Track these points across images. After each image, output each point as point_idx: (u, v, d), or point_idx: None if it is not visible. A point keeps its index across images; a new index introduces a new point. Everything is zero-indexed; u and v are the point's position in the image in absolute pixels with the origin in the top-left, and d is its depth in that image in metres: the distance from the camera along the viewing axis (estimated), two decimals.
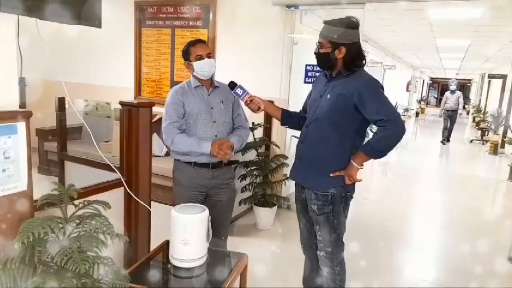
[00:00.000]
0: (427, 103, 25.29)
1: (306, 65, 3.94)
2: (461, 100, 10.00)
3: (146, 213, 2.31)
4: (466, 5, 4.01)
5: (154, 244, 2.26)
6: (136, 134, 2.28)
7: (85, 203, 1.58)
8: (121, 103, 2.31)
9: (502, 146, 9.04)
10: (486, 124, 10.85)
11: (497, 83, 12.43)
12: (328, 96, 1.93)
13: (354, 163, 1.90)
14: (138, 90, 4.84)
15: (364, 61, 1.93)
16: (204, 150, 2.21)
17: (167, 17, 4.49)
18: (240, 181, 3.53)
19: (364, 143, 1.91)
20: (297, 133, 4.19)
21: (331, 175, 1.93)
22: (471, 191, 5.96)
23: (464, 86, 29.85)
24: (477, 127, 12.15)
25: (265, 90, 3.92)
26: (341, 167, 1.93)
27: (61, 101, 3.17)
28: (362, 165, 1.91)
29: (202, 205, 2.10)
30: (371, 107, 1.83)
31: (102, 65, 4.94)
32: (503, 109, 9.76)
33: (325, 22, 1.93)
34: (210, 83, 2.36)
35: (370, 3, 3.52)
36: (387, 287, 2.87)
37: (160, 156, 4.33)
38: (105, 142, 4.45)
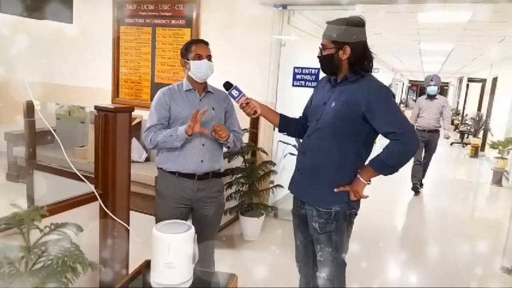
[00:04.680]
0: (406, 106, 25.69)
1: (295, 68, 3.78)
2: (446, 111, 5.39)
3: (124, 230, 2.09)
4: (456, 8, 3.95)
5: (133, 262, 2.05)
6: (113, 143, 2.06)
7: (52, 227, 1.37)
8: (97, 108, 2.09)
9: (482, 149, 9.16)
10: (466, 127, 10.99)
11: (475, 87, 12.67)
12: (333, 103, 1.77)
13: (361, 179, 1.74)
14: (116, 92, 4.58)
15: (371, 64, 1.78)
16: (179, 131, 1.99)
17: (148, 15, 4.25)
18: (226, 189, 3.34)
19: (373, 157, 1.75)
20: (285, 137, 4.00)
21: (335, 190, 1.77)
22: (457, 196, 5.94)
23: (442, 89, 30.52)
24: (456, 130, 12.33)
25: (251, 92, 3.66)
26: (346, 182, 1.77)
27: (30, 105, 2.89)
28: (369, 181, 1.76)
29: (187, 222, 1.90)
30: (381, 118, 1.67)
31: (77, 64, 4.65)
32: (483, 113, 9.89)
33: (328, 22, 1.77)
34: (203, 88, 2.17)
35: (362, 5, 3.38)
36: (386, 287, 2.76)
37: (139, 162, 4.09)
38: (80, 147, 4.18)
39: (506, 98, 7.80)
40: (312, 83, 3.68)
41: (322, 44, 1.78)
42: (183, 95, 2.12)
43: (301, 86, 3.74)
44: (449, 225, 4.52)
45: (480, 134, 9.33)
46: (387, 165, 1.69)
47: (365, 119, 1.69)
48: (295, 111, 4.23)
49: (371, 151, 1.83)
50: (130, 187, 2.20)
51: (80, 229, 1.41)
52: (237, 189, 3.40)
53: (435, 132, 5.35)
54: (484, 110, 10.05)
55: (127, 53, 4.44)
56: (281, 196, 4.31)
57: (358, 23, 1.73)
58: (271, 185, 3.65)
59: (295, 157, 4.20)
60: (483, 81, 10.76)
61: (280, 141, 4.08)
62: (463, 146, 10.40)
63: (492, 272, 3.24)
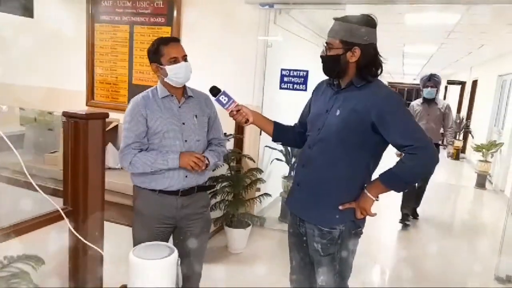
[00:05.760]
0: None
1: (282, 70, 3.60)
2: (449, 120, 4.35)
3: (98, 253, 1.85)
4: (447, 10, 3.86)
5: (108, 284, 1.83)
6: (84, 154, 1.82)
7: (6, 261, 1.13)
8: (65, 114, 1.85)
9: (463, 151, 9.23)
10: None
11: (454, 89, 12.83)
12: (338, 111, 1.58)
13: (369, 194, 1.56)
14: (90, 94, 4.28)
15: (381, 69, 1.61)
16: (171, 164, 1.80)
17: (125, 12, 3.98)
18: (210, 199, 3.12)
19: (384, 171, 1.57)
20: (271, 142, 3.81)
21: (340, 207, 1.58)
22: (441, 199, 5.90)
23: (418, 91, 31.02)
24: None
25: (236, 95, 3.48)
26: (352, 198, 1.60)
27: None
28: (377, 197, 1.58)
29: (169, 244, 1.69)
30: (395, 129, 1.50)
31: (48, 64, 4.32)
32: (463, 115, 9.99)
33: (336, 19, 1.59)
34: (182, 92, 1.93)
35: (352, 4, 3.24)
36: (386, 287, 2.67)
37: (115, 169, 3.82)
38: (51, 153, 3.87)
39: (486, 101, 7.86)
40: (300, 85, 3.51)
41: (327, 43, 1.59)
42: (160, 104, 1.87)
43: (289, 89, 3.56)
44: (439, 230, 4.44)
45: (461, 137, 9.41)
46: (401, 181, 1.53)
47: (375, 129, 1.51)
48: (283, 115, 4.01)
49: (378, 163, 1.66)
50: (104, 203, 1.97)
51: (40, 262, 1.18)
52: (222, 199, 3.19)
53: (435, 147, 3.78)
54: (463, 113, 10.16)
55: (102, 52, 4.16)
56: (267, 203, 4.13)
57: (370, 23, 1.55)
58: (257, 194, 3.46)
59: (282, 163, 4.08)
60: (463, 83, 10.88)
61: (266, 146, 3.90)
62: (444, 148, 10.47)
63: (487, 281, 3.15)
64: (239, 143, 3.56)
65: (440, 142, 4.23)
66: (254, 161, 3.44)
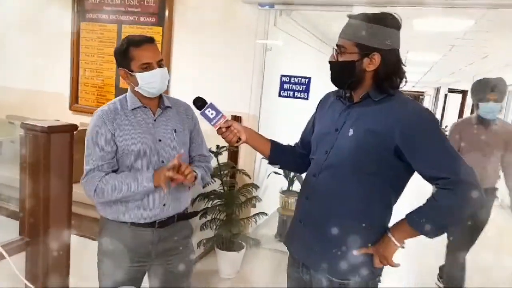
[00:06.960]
0: None
1: (282, 76, 3.30)
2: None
3: None
4: (458, 15, 3.59)
5: None
6: (45, 174, 1.52)
7: None
8: (24, 125, 1.54)
9: None
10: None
11: (454, 98, 12.63)
12: (350, 131, 1.27)
13: (393, 239, 1.24)
14: (74, 97, 3.97)
15: (405, 80, 1.30)
16: (144, 185, 1.45)
17: (113, 10, 3.68)
18: (200, 218, 2.82)
19: (413, 211, 1.24)
20: None
21: (354, 253, 1.27)
22: None
23: (417, 98, 30.91)
24: None
25: (231, 104, 3.26)
26: (368, 240, 1.28)
27: None
28: (403, 243, 1.26)
29: None
30: (426, 157, 1.18)
31: (27, 64, 4.01)
32: None
33: (351, 16, 1.28)
34: (157, 102, 1.61)
35: (359, 6, 2.95)
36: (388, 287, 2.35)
37: None
38: None
39: None
40: (302, 93, 3.22)
41: (339, 46, 1.29)
42: (130, 117, 1.54)
43: (289, 97, 3.27)
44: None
45: None
46: (433, 223, 1.18)
47: (399, 155, 1.21)
48: (281, 125, 3.66)
49: (399, 196, 1.34)
50: (70, 232, 1.66)
51: None
52: (213, 217, 2.88)
53: (490, 193, 2.74)
54: None
55: (88, 53, 3.86)
56: (263, 220, 3.82)
57: (393, 24, 1.25)
58: (253, 210, 3.15)
59: (279, 177, 3.78)
60: (464, 92, 10.68)
61: (263, 158, 3.59)
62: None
63: None
64: (233, 156, 3.26)
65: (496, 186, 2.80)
66: (249, 177, 3.13)
